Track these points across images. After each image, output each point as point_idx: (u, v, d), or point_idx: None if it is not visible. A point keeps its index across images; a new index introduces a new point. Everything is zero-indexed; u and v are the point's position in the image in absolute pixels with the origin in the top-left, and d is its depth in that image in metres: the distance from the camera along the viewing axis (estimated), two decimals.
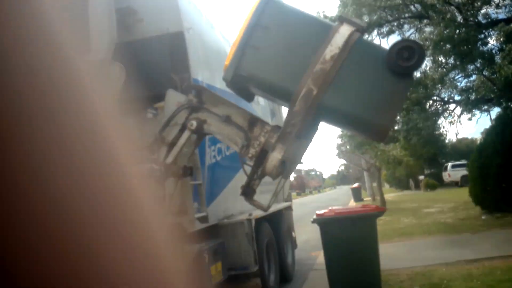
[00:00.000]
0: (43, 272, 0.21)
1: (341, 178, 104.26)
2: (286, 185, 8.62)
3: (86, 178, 0.26)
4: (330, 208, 4.59)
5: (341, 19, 2.74)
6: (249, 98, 3.21)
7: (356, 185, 27.57)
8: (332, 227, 4.20)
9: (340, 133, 13.75)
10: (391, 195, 28.60)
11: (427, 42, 10.33)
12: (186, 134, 3.01)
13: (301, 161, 3.22)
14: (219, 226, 4.54)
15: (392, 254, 7.02)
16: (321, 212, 4.41)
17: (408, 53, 2.62)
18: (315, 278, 6.27)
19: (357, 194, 25.46)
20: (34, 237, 0.21)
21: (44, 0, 0.28)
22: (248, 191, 3.03)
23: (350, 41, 2.58)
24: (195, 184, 3.91)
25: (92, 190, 0.25)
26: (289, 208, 7.69)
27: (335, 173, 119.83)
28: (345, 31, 2.62)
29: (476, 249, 6.68)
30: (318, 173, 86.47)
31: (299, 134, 2.73)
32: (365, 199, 25.35)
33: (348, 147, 16.57)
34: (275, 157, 2.75)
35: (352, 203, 22.77)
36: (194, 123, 2.99)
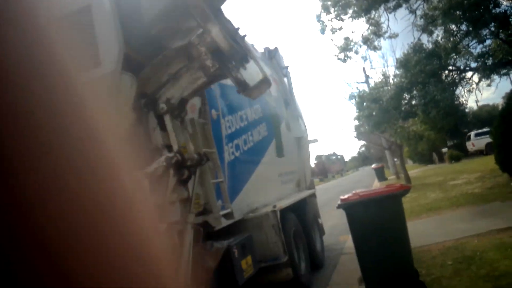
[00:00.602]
0: (58, 272, 0.22)
1: (362, 160, 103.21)
2: (308, 173, 8.62)
3: (96, 182, 0.27)
4: (354, 191, 4.57)
5: None
6: None
7: (373, 165, 27.27)
8: (358, 211, 4.18)
9: (357, 114, 13.61)
10: (415, 171, 28.21)
11: (436, 12, 10.08)
12: (166, 118, 3.02)
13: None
14: (245, 220, 4.58)
15: (422, 230, 6.95)
16: (345, 196, 4.38)
17: None
18: (345, 262, 6.28)
19: (380, 174, 25.21)
20: (51, 237, 0.22)
21: (51, 22, 0.30)
22: None
23: None
24: (217, 182, 3.95)
25: (102, 192, 0.27)
26: (313, 195, 7.69)
27: (356, 155, 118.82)
28: None
29: (507, 217, 6.55)
30: (339, 156, 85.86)
31: None
32: (389, 178, 25.08)
33: (366, 127, 16.38)
34: None
35: (376, 184, 22.56)
36: (164, 106, 3.02)
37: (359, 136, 29.95)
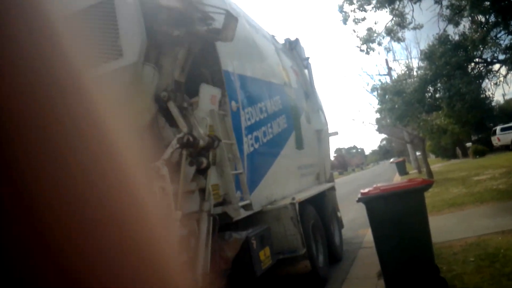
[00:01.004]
0: (68, 271, 0.22)
1: (383, 153, 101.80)
2: (327, 166, 8.56)
3: (117, 174, 0.26)
4: (374, 185, 4.51)
5: None
6: None
7: (392, 160, 26.91)
8: (378, 205, 4.12)
9: (379, 107, 13.38)
10: (437, 165, 27.65)
11: (463, 2, 9.77)
12: (170, 105, 3.05)
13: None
14: (264, 212, 4.60)
15: (443, 226, 6.82)
16: (366, 190, 4.33)
17: None
18: (364, 256, 6.23)
19: (401, 168, 24.84)
20: (52, 236, 0.21)
21: (74, 13, 0.30)
22: None
23: None
24: (236, 174, 3.97)
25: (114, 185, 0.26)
26: (332, 188, 7.64)
27: (376, 148, 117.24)
28: None
29: None
30: (359, 150, 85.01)
31: None
32: (410, 172, 24.69)
33: (388, 120, 16.10)
34: None
35: (397, 178, 22.24)
36: (165, 94, 3.03)
37: (381, 129, 29.53)
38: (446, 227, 6.81)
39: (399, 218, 4.01)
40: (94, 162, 0.26)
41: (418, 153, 24.83)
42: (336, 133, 10.80)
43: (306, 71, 8.55)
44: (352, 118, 51.06)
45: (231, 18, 3.25)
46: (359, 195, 4.23)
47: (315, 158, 7.55)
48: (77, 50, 0.29)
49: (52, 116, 0.24)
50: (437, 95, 10.88)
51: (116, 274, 0.24)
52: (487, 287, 3.78)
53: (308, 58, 8.80)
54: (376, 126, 26.80)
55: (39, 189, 0.22)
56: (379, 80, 23.55)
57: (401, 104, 11.28)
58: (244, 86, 4.86)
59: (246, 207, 3.90)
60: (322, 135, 8.25)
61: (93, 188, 0.25)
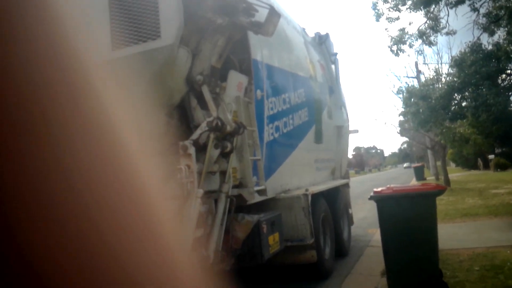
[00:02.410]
0: (64, 271, 0.21)
1: (403, 157, 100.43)
2: (344, 163, 8.63)
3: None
4: (388, 185, 4.60)
5: None
6: None
7: (405, 164, 26.61)
8: (389, 205, 4.21)
9: (403, 110, 13.27)
10: (456, 174, 27.22)
11: (502, 11, 9.55)
12: (204, 89, 3.19)
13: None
14: (277, 199, 4.75)
15: (453, 234, 6.85)
16: (379, 189, 4.43)
17: None
18: (370, 254, 6.33)
19: (419, 173, 24.57)
20: (55, 237, 0.20)
21: None
22: None
23: None
24: (255, 160, 4.11)
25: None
26: (346, 185, 7.72)
27: (396, 151, 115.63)
28: None
29: None
30: (378, 151, 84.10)
31: None
32: (428, 178, 24.39)
33: (411, 124, 15.95)
34: None
35: (413, 183, 22.03)
36: (200, 77, 3.17)
37: (403, 132, 29.17)
38: (456, 235, 6.84)
39: (409, 220, 4.09)
40: (119, 138, 0.25)
41: (438, 163, 24.48)
42: (356, 131, 10.81)
43: (333, 66, 8.58)
44: (374, 118, 50.52)
45: (274, 13, 3.37)
46: (372, 193, 4.32)
47: (332, 153, 7.63)
48: (116, 29, 0.31)
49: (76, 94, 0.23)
50: (463, 104, 10.73)
51: (134, 243, 0.24)
52: None
53: (336, 53, 8.82)
54: (399, 129, 26.50)
55: (67, 164, 0.21)
56: (406, 82, 23.18)
57: (425, 109, 11.17)
58: (270, 76, 4.98)
59: (261, 192, 4.05)
60: (342, 132, 8.31)
61: (116, 164, 0.24)
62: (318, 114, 6.69)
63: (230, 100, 3.76)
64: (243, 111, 3.90)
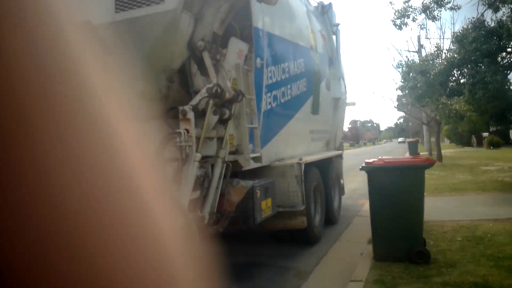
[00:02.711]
0: (61, 273, 0.20)
1: (398, 132, 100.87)
2: (339, 135, 8.76)
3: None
4: (380, 157, 4.74)
5: None
6: None
7: (400, 139, 26.81)
8: (379, 176, 4.37)
9: (401, 84, 13.27)
10: (450, 150, 27.56)
11: None
12: (205, 55, 3.23)
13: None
14: (271, 167, 4.89)
15: (441, 207, 7.09)
16: (371, 160, 4.57)
17: None
18: (359, 223, 6.57)
19: (413, 148, 24.84)
20: (53, 237, 0.20)
21: None
22: None
23: None
24: (251, 128, 4.22)
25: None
26: (340, 156, 7.88)
27: (392, 125, 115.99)
28: None
29: None
30: (374, 124, 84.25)
31: None
32: (421, 153, 24.69)
33: (409, 99, 16.00)
34: None
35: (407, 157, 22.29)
36: (201, 43, 3.22)
37: (400, 107, 29.23)
38: (443, 208, 7.08)
39: (397, 190, 4.27)
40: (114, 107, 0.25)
41: (433, 139, 24.72)
42: (353, 104, 10.88)
43: (334, 37, 8.53)
44: (373, 92, 50.43)
45: None
46: (363, 164, 4.47)
47: (328, 125, 7.74)
48: None
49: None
50: (461, 80, 10.76)
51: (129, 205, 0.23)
52: (466, 263, 4.08)
53: (338, 24, 8.74)
54: (396, 103, 26.54)
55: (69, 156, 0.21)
56: (407, 56, 22.98)
57: (423, 84, 11.21)
58: (271, 44, 5.00)
59: (256, 159, 4.18)
60: (339, 104, 8.38)
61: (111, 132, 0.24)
62: (316, 85, 6.74)
63: (229, 67, 3.82)
64: (242, 78, 3.96)
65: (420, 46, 22.05)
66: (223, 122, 3.33)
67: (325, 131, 7.61)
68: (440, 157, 17.53)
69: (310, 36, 6.74)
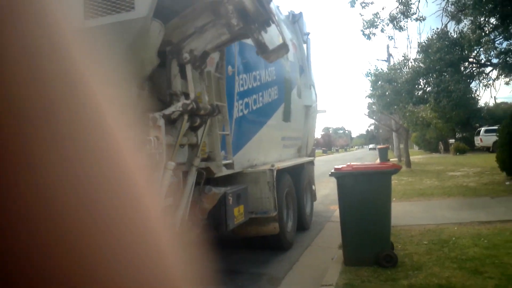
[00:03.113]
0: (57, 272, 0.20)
1: (369, 138, 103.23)
2: (310, 141, 8.90)
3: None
4: (348, 163, 4.86)
5: None
6: None
7: (370, 146, 27.50)
8: (348, 181, 4.48)
9: (370, 92, 13.66)
10: (418, 157, 28.39)
11: (468, 1, 9.91)
12: (187, 68, 3.26)
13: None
14: (244, 173, 4.92)
15: (408, 212, 7.31)
16: (340, 166, 4.68)
17: None
18: (330, 229, 6.68)
19: (383, 154, 25.43)
20: (47, 236, 0.20)
21: None
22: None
23: None
24: (223, 135, 4.25)
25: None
26: (311, 163, 8.01)
27: (364, 132, 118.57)
28: None
29: (491, 212, 6.87)
30: (346, 132, 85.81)
31: None
32: (391, 159, 25.33)
33: (378, 106, 16.45)
34: None
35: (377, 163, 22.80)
36: (187, 56, 3.25)
37: (370, 114, 29.93)
38: (411, 213, 7.30)
39: (365, 195, 4.39)
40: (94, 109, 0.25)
41: (402, 145, 25.44)
42: (324, 111, 11.06)
43: (305, 46, 8.70)
44: (343, 99, 51.51)
45: (284, 47, 3.48)
46: (333, 170, 4.57)
47: (299, 132, 7.86)
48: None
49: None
50: (427, 89, 11.20)
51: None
52: (431, 266, 4.23)
53: (308, 33, 8.92)
54: (367, 111, 27.18)
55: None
56: (375, 65, 23.63)
57: (391, 92, 11.58)
58: (242, 52, 5.06)
59: (228, 166, 4.21)
60: (310, 111, 8.52)
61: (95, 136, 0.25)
62: (287, 93, 6.85)
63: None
64: (213, 86, 3.99)
65: (389, 55, 22.76)
66: (194, 129, 3.35)
67: (297, 138, 7.72)
68: (408, 163, 18.05)
69: None
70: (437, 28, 11.57)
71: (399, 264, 4.31)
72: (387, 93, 11.75)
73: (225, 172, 4.17)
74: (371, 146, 28.65)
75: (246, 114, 5.15)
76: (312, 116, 8.84)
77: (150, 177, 2.81)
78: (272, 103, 6.09)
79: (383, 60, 22.86)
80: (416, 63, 11.59)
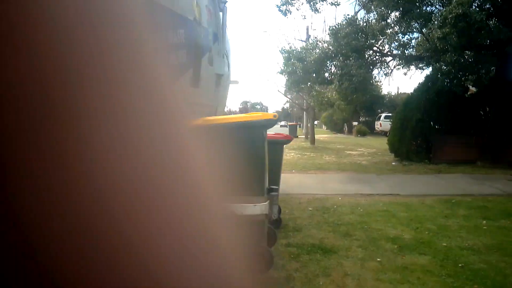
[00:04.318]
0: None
1: (284, 116, 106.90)
2: (221, 110, 8.98)
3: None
4: None
5: None
6: None
7: (282, 123, 28.69)
8: None
9: (282, 68, 14.12)
10: (324, 135, 30.28)
11: None
12: None
13: None
14: None
15: (303, 183, 7.87)
16: None
17: None
18: None
19: (293, 131, 26.66)
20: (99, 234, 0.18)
21: None
22: None
23: None
24: None
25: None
26: None
27: (280, 110, 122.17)
28: None
29: (374, 187, 7.70)
30: (263, 107, 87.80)
31: None
32: (299, 136, 26.69)
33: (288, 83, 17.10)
34: None
35: None
36: None
37: (286, 92, 30.92)
38: (306, 183, 7.86)
39: None
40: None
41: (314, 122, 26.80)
42: (237, 82, 11.16)
43: (221, 14, 8.63)
44: (259, 74, 52.46)
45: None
46: None
47: (209, 100, 7.88)
48: None
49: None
50: (332, 71, 11.92)
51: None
52: (310, 228, 4.67)
53: (226, 1, 8.85)
54: (281, 88, 27.99)
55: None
56: (291, 43, 24.32)
57: (301, 70, 12.11)
58: (148, 11, 4.88)
59: None
60: (222, 80, 8.56)
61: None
62: (197, 58, 6.79)
63: None
64: None
65: (308, 36, 23.55)
66: None
67: (206, 105, 7.74)
68: (313, 141, 19.20)
69: (194, 9, 6.73)
70: (349, 15, 12.27)
71: (282, 226, 4.68)
72: (297, 72, 12.27)
73: None
74: (282, 123, 29.97)
75: None
76: (223, 85, 8.88)
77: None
78: (179, 67, 6.01)
79: (302, 41, 23.59)
80: (326, 45, 12.23)
